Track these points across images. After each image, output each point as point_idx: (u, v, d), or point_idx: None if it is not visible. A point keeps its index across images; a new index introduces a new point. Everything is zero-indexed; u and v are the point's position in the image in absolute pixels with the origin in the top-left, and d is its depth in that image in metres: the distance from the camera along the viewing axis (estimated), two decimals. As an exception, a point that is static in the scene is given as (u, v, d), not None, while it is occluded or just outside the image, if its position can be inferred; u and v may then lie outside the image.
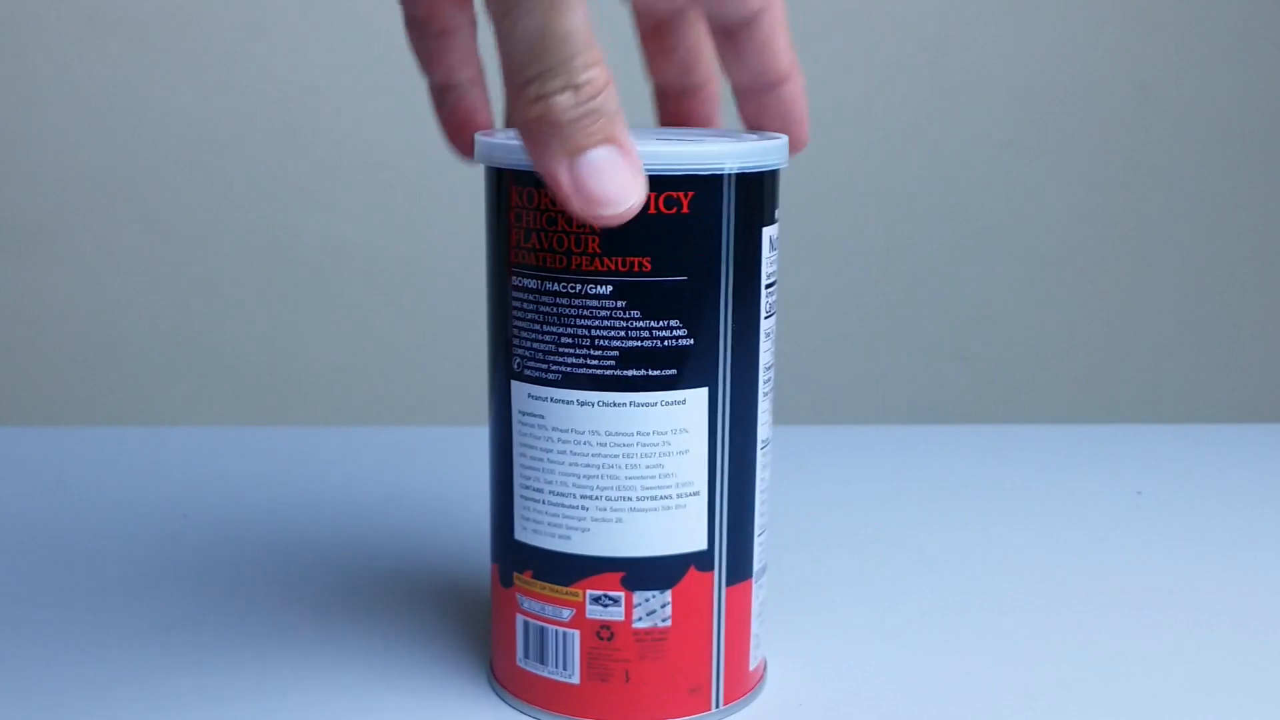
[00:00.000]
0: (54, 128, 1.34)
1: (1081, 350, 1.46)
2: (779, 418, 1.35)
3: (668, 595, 0.40)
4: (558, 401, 0.39)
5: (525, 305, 0.39)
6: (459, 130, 0.45)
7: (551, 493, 0.39)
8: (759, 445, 0.41)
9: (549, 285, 0.38)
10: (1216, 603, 0.52)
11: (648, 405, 0.38)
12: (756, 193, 0.39)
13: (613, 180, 0.35)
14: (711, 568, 0.40)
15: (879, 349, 1.43)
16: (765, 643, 0.48)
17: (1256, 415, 1.50)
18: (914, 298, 1.43)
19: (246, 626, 0.48)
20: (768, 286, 0.40)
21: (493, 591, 0.43)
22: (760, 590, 0.42)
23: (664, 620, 0.40)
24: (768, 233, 0.40)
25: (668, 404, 0.39)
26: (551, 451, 0.39)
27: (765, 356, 0.41)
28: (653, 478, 0.39)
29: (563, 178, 0.35)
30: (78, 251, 1.37)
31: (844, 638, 0.49)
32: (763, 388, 0.41)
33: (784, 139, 0.40)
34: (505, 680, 0.42)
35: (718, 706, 0.41)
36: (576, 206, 0.35)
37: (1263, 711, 0.43)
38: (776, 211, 0.41)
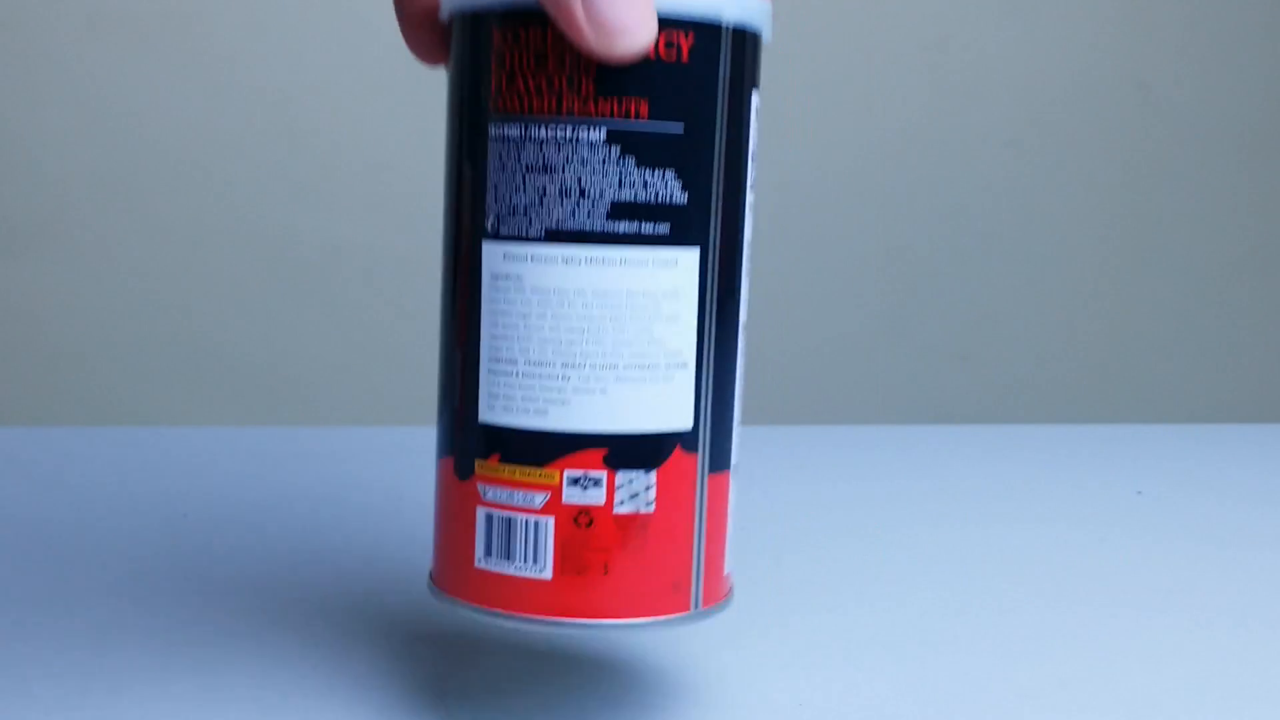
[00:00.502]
0: (54, 128, 1.33)
1: (1081, 350, 1.47)
2: (778, 418, 1.33)
3: (652, 477, 0.37)
4: (540, 260, 0.36)
5: (505, 156, 0.36)
6: (418, 22, 0.42)
7: (528, 363, 0.36)
8: (740, 323, 0.38)
9: (535, 132, 0.35)
10: (1216, 602, 0.52)
11: (638, 264, 0.36)
12: (750, 51, 0.37)
13: (628, 8, 0.33)
14: (696, 449, 0.37)
15: (879, 349, 1.43)
16: (762, 635, 0.45)
17: (1256, 415, 1.50)
18: (914, 298, 1.44)
19: (246, 626, 0.48)
20: (753, 156, 0.38)
21: (441, 492, 0.39)
22: (735, 485, 0.40)
23: (648, 505, 0.37)
24: (755, 98, 0.38)
25: (659, 263, 0.36)
26: (530, 316, 0.36)
27: (748, 229, 0.39)
28: (640, 344, 0.36)
29: (575, 7, 0.33)
30: (78, 251, 1.35)
31: (844, 637, 0.48)
32: (746, 262, 0.38)
33: (769, 5, 0.39)
34: (459, 587, 0.38)
35: (697, 607, 0.38)
36: (588, 37, 0.33)
37: (1263, 711, 0.42)
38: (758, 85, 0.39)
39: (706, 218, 0.36)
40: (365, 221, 1.41)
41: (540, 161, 0.35)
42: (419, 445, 0.72)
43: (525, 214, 0.36)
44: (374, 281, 1.42)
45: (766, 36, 0.39)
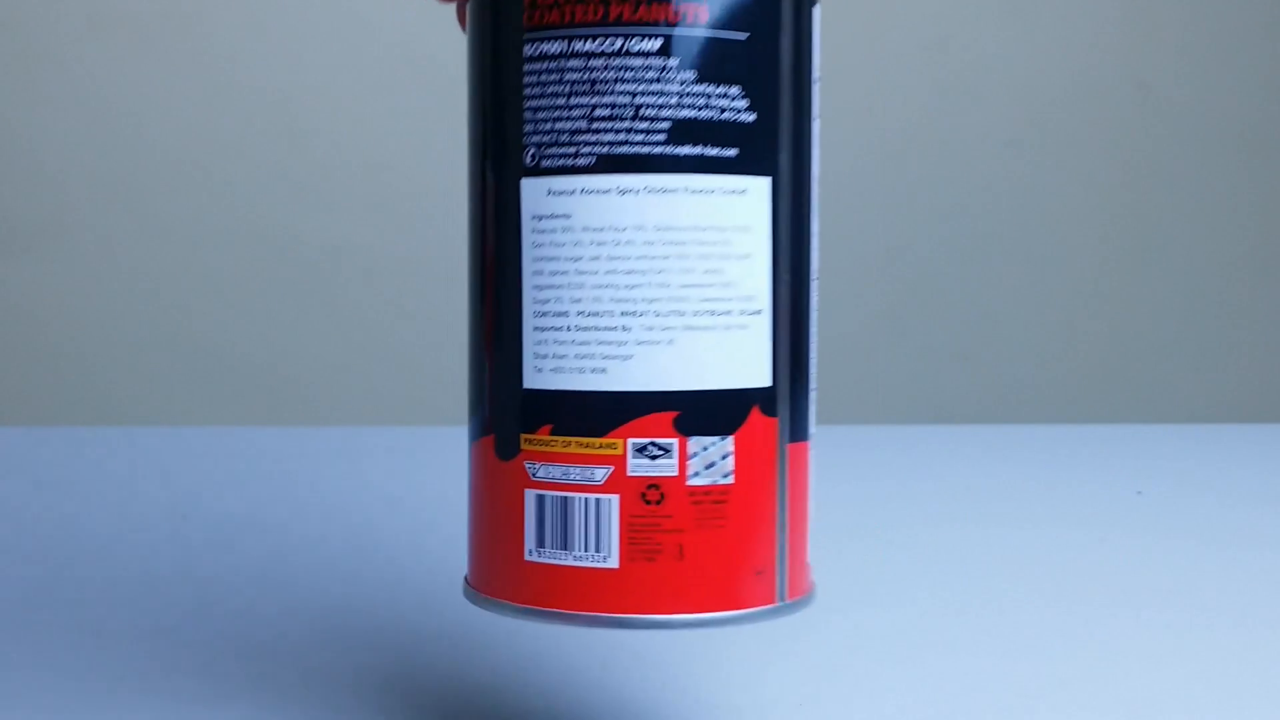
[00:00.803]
0: (54, 128, 1.32)
1: (1082, 350, 1.46)
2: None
3: (729, 442, 0.31)
4: (591, 193, 0.31)
5: (545, 77, 0.31)
6: None
7: (581, 314, 0.31)
8: (813, 269, 0.34)
9: (579, 45, 0.31)
10: (1217, 602, 0.50)
11: (705, 192, 0.31)
12: None
13: None
14: (775, 413, 0.32)
15: (879, 349, 1.42)
16: (761, 636, 0.40)
17: (1257, 415, 1.50)
18: (914, 298, 1.42)
19: (246, 626, 0.47)
20: (816, 79, 0.34)
21: (478, 479, 0.33)
22: (812, 460, 0.34)
23: (725, 475, 0.31)
24: (816, 13, 0.34)
25: (727, 192, 0.31)
26: (582, 259, 0.31)
27: (816, 164, 0.34)
28: (711, 286, 0.31)
29: None
30: (78, 251, 1.33)
31: (844, 637, 0.46)
32: (815, 201, 0.34)
33: None
34: (505, 586, 0.32)
35: (783, 599, 0.33)
36: None
37: (1263, 710, 0.41)
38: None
39: (775, 141, 0.32)
40: (366, 221, 1.40)
41: (587, 79, 0.31)
42: (419, 445, 0.72)
43: (571, 142, 0.31)
44: (374, 281, 1.40)
45: None
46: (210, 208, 1.36)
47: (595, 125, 0.31)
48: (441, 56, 1.41)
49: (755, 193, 0.31)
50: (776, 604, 0.32)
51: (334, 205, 1.38)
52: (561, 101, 0.31)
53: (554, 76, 0.31)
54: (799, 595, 0.33)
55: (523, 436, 0.32)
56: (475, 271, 0.33)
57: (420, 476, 0.65)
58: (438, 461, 0.69)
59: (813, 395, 0.34)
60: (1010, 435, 0.76)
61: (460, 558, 0.55)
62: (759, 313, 0.32)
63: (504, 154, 0.32)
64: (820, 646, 0.44)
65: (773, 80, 0.32)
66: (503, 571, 0.32)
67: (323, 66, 1.37)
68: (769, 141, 0.32)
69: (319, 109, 1.37)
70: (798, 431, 0.33)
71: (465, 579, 0.34)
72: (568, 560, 0.31)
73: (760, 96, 0.31)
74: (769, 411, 0.32)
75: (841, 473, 0.64)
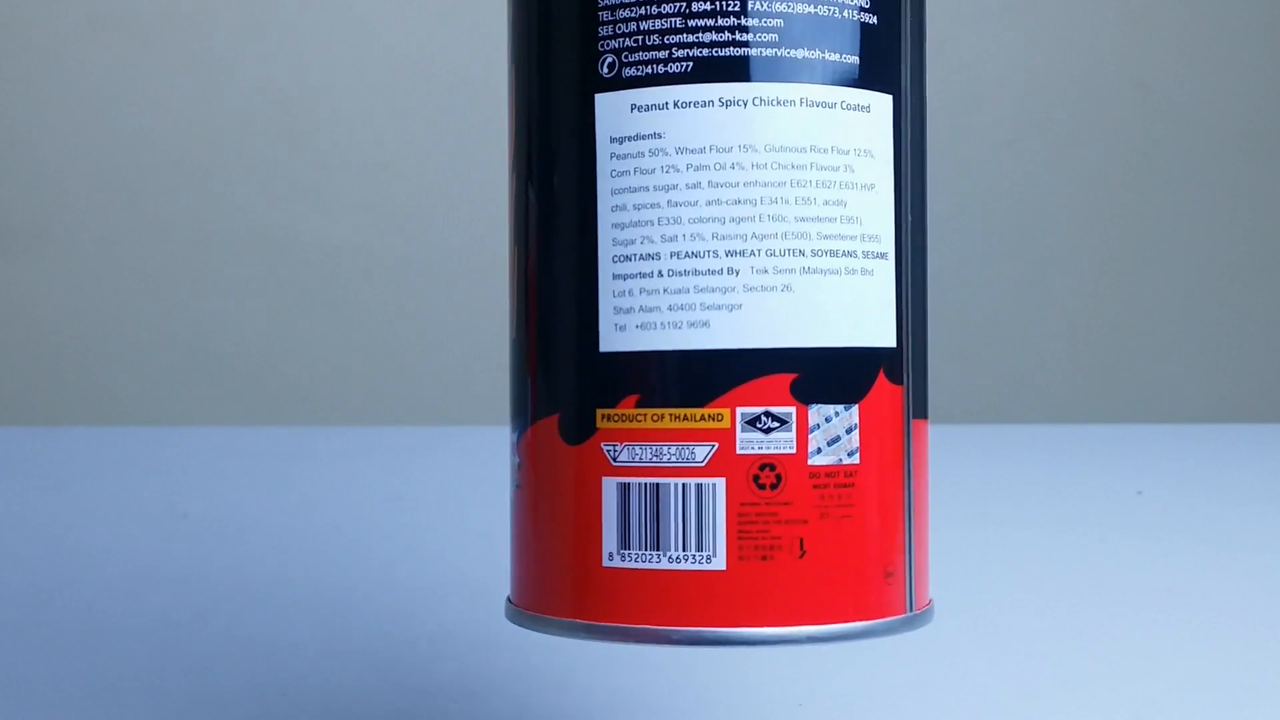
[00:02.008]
0: (54, 128, 1.32)
1: (1082, 350, 1.46)
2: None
3: (854, 413, 0.26)
4: (687, 106, 0.25)
5: None
6: None
7: (676, 255, 0.25)
8: (930, 211, 0.28)
9: None
10: (1217, 602, 0.50)
11: (825, 106, 0.25)
12: None
13: None
14: (901, 380, 0.27)
15: None
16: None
17: (1258, 415, 1.49)
18: None
19: (246, 626, 0.46)
20: None
21: (538, 469, 0.27)
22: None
23: (850, 453, 0.26)
24: None
25: (850, 108, 0.26)
26: (677, 187, 0.25)
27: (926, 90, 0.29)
28: (833, 221, 0.25)
29: None
30: (78, 251, 1.34)
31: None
32: (927, 140, 0.28)
33: None
34: (577, 602, 0.26)
35: (912, 607, 0.27)
36: None
37: (1264, 711, 0.40)
38: None
39: (899, 50, 0.26)
40: (366, 222, 1.40)
41: None
42: (419, 445, 0.71)
43: (663, 44, 0.25)
44: (374, 281, 1.40)
45: None
46: (210, 208, 1.36)
47: (692, 23, 0.25)
48: (443, 57, 1.38)
49: (879, 110, 0.26)
50: (907, 613, 0.26)
51: (334, 205, 1.39)
52: (647, -4, 0.25)
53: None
54: (924, 605, 0.27)
55: (600, 412, 0.26)
56: (527, 215, 0.27)
57: (420, 476, 0.65)
58: (439, 461, 0.67)
59: (930, 370, 0.28)
60: (1010, 435, 0.75)
61: (463, 555, 0.52)
62: (884, 256, 0.26)
63: (570, 64, 0.26)
64: (816, 646, 0.42)
65: (894, -21, 0.26)
66: (572, 584, 0.26)
67: (323, 67, 1.37)
68: (893, 50, 0.26)
69: (319, 109, 1.38)
70: (920, 405, 0.27)
71: (509, 599, 0.28)
72: (661, 563, 0.25)
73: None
74: (894, 378, 0.26)
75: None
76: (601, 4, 0.26)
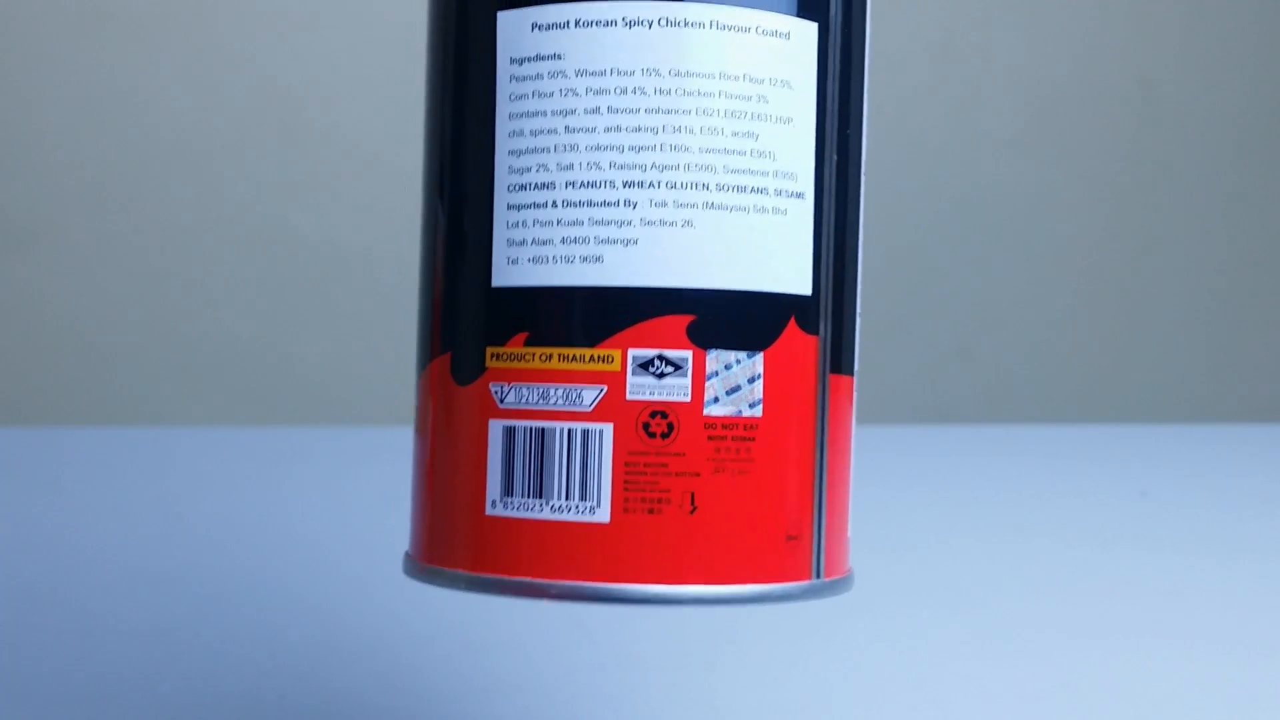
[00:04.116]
0: (54, 128, 1.31)
1: (1084, 349, 1.46)
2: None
3: (758, 361, 0.24)
4: (589, 25, 0.23)
5: None
6: None
7: (571, 185, 0.24)
8: (863, 153, 0.26)
9: None
10: (1220, 602, 0.49)
11: (738, 30, 0.24)
12: None
13: None
14: (816, 330, 0.25)
15: (879, 348, 1.40)
16: (757, 639, 0.34)
17: (1261, 415, 1.49)
18: (914, 297, 1.41)
19: (245, 626, 0.46)
20: None
21: (428, 411, 0.25)
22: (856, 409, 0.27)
23: (753, 405, 0.24)
24: None
25: (767, 33, 0.24)
26: (575, 112, 0.24)
27: (867, 19, 0.27)
28: (743, 155, 0.24)
29: None
30: (78, 251, 1.33)
31: (842, 639, 0.44)
32: (865, 66, 0.27)
33: None
34: (459, 551, 0.25)
35: (819, 575, 0.25)
36: None
37: (1266, 713, 0.39)
38: None
39: None
40: (366, 221, 1.39)
41: None
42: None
43: None
44: (374, 281, 1.40)
45: None
46: (211, 208, 1.36)
47: (598, -62, 0.23)
48: None
49: (801, 39, 0.24)
50: (812, 580, 0.25)
51: (335, 205, 1.38)
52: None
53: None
54: (837, 574, 0.25)
55: (489, 350, 0.24)
56: (431, 144, 0.25)
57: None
58: None
59: (858, 320, 0.27)
60: (1013, 435, 0.79)
61: None
62: (800, 196, 0.24)
63: None
64: (816, 648, 0.42)
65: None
66: (456, 532, 0.25)
67: (324, 66, 1.37)
68: None
69: (320, 109, 1.37)
70: (841, 360, 0.25)
71: (405, 553, 0.27)
72: (544, 512, 0.24)
73: (810, -83, 0.24)
74: (808, 327, 0.24)
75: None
76: (506, -84, 0.24)
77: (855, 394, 0.26)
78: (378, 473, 0.67)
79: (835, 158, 0.25)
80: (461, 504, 0.24)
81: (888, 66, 1.42)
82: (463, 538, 0.24)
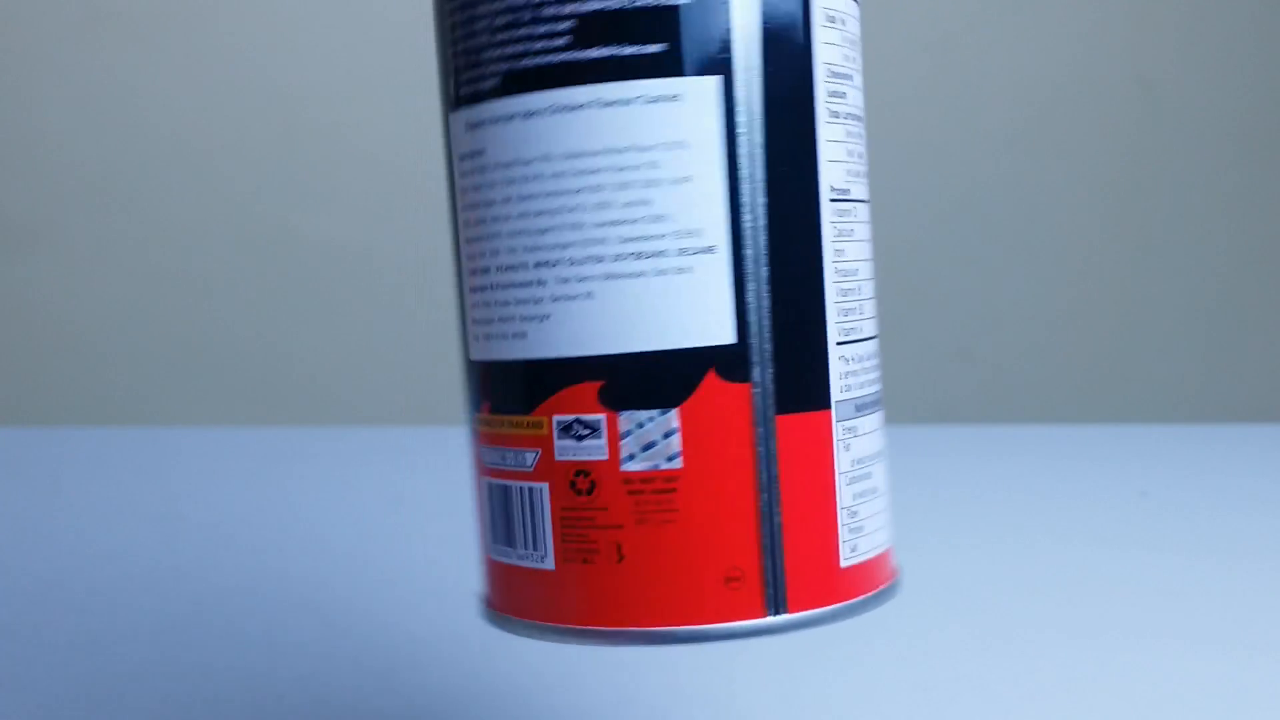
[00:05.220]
0: (54, 128, 1.33)
1: (1084, 349, 1.44)
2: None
3: (673, 417, 0.25)
4: (498, 121, 0.26)
5: None
6: None
7: (499, 269, 0.26)
8: (824, 189, 0.26)
9: None
10: (1220, 602, 0.49)
11: (620, 104, 0.25)
12: None
13: None
14: (747, 377, 0.25)
15: (881, 348, 1.39)
16: (752, 638, 0.33)
17: (1261, 415, 1.47)
18: (914, 297, 1.40)
19: (244, 627, 0.46)
20: None
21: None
22: (850, 438, 0.27)
23: (670, 459, 0.25)
24: None
25: (650, 102, 0.25)
26: (494, 202, 0.26)
27: (831, 49, 0.26)
28: (635, 222, 0.25)
29: None
30: (78, 251, 1.35)
31: (841, 640, 0.45)
32: (825, 99, 0.26)
33: None
34: (485, 584, 0.28)
35: (778, 610, 0.25)
36: None
37: (1266, 713, 0.39)
38: None
39: (724, 28, 0.25)
40: (366, 221, 1.39)
41: None
42: (419, 445, 0.69)
43: (480, 62, 0.26)
44: (374, 281, 1.39)
45: None
46: (211, 207, 1.34)
47: (498, 36, 0.26)
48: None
49: (695, 97, 0.25)
50: (766, 618, 0.25)
51: (335, 205, 1.35)
52: (472, 13, 0.26)
53: (461, -12, 0.26)
54: (816, 605, 0.26)
55: (474, 416, 0.27)
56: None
57: (420, 476, 0.63)
58: (439, 462, 0.66)
59: (842, 351, 0.26)
60: (1013, 435, 0.72)
61: (458, 560, 0.53)
62: (711, 250, 0.25)
63: (443, 89, 0.28)
64: (814, 649, 0.42)
65: (714, -51, 0.25)
66: (483, 570, 0.28)
67: (325, 65, 1.34)
68: (716, 29, 0.25)
69: (321, 108, 1.34)
70: (797, 399, 0.25)
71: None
72: (512, 559, 0.27)
73: (693, -27, 0.24)
74: (735, 376, 0.25)
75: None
76: (450, 22, 0.27)
77: (840, 429, 0.26)
78: (378, 473, 0.65)
79: (770, 199, 0.25)
80: (482, 547, 0.28)
81: (887, 66, 1.37)
82: (484, 576, 0.28)
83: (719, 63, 0.25)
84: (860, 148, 0.27)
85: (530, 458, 0.26)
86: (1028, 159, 1.43)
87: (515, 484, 0.26)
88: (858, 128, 0.27)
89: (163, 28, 1.32)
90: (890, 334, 1.43)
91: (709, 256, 0.25)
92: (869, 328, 0.27)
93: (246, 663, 0.43)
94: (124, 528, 0.57)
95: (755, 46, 0.25)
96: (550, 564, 0.26)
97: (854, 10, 0.27)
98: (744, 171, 0.25)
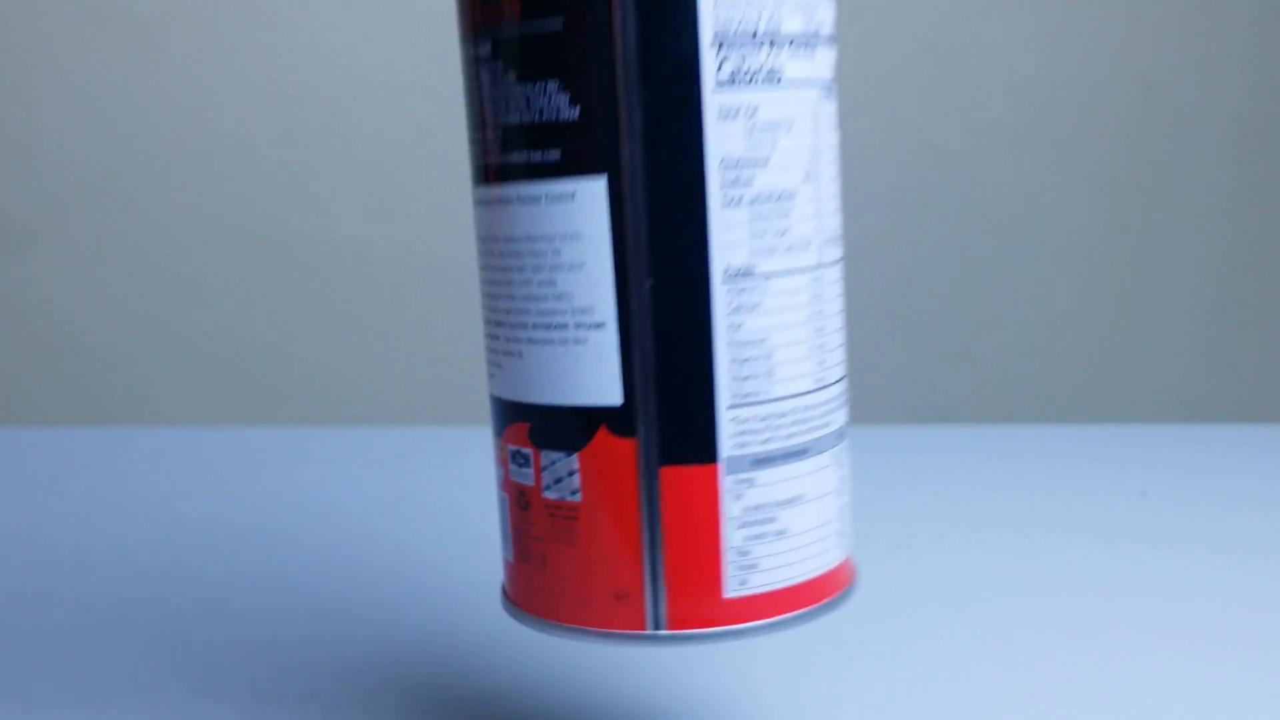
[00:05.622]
0: (54, 128, 1.34)
1: (1085, 349, 1.45)
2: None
3: (574, 460, 0.30)
4: (477, 202, 0.32)
5: (466, 85, 0.32)
6: None
7: (486, 321, 0.32)
8: (716, 269, 0.29)
9: (466, 52, 0.31)
10: (1220, 602, 0.49)
11: (531, 201, 0.30)
12: None
13: None
14: (632, 434, 0.29)
15: (879, 348, 1.42)
16: (750, 639, 0.35)
17: (1261, 415, 1.49)
18: (914, 296, 1.42)
19: (244, 628, 0.47)
20: (727, 39, 0.29)
21: None
22: (743, 487, 0.30)
23: (572, 493, 0.30)
24: None
25: (553, 198, 0.29)
26: (481, 269, 0.32)
27: (729, 142, 0.29)
28: (545, 299, 0.30)
29: None
30: (78, 251, 1.37)
31: (841, 641, 0.45)
32: (721, 188, 0.29)
33: None
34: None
35: (658, 626, 0.30)
36: None
37: (1266, 713, 0.39)
38: None
39: (611, 137, 0.29)
40: (367, 221, 1.36)
41: (472, 87, 0.31)
42: (419, 445, 0.68)
43: (471, 153, 0.32)
44: (374, 281, 1.37)
45: None
46: (211, 207, 1.33)
47: (474, 136, 0.31)
48: (444, 53, 1.30)
49: (585, 196, 0.29)
50: (645, 631, 0.30)
51: (335, 204, 1.33)
52: (471, 112, 0.32)
53: (468, 88, 0.32)
54: (696, 626, 0.30)
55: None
56: None
57: (421, 476, 0.63)
58: (439, 461, 0.65)
59: (733, 414, 0.29)
60: (1013, 436, 0.71)
61: (458, 561, 0.52)
62: (601, 326, 0.29)
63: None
64: (816, 648, 0.43)
65: (602, 69, 0.28)
66: None
67: (325, 65, 1.31)
68: (604, 140, 0.29)
69: (321, 108, 1.32)
70: (681, 453, 0.29)
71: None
72: (509, 555, 0.33)
73: (582, 89, 0.29)
74: (622, 432, 0.29)
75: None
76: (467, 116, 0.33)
77: (728, 483, 0.30)
78: (377, 473, 0.62)
79: (650, 283, 0.29)
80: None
81: (887, 66, 1.38)
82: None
83: (606, 166, 0.29)
84: (787, 223, 0.30)
85: (500, 475, 0.32)
86: (1028, 159, 1.40)
87: (500, 494, 0.33)
88: (776, 206, 0.29)
89: (163, 28, 1.31)
90: (890, 334, 1.42)
91: (600, 331, 0.29)
92: (788, 387, 0.30)
93: (246, 662, 0.44)
94: (124, 528, 0.57)
95: (639, 150, 0.28)
96: (511, 559, 0.32)
97: (779, 95, 0.29)
98: (631, 258, 0.29)
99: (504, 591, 0.33)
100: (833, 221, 0.31)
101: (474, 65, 0.31)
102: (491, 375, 0.32)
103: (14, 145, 1.33)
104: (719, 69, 0.28)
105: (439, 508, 0.60)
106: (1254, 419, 1.52)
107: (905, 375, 1.46)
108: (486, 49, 0.30)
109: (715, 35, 0.28)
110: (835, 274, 0.31)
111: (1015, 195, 1.44)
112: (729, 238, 0.29)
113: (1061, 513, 0.59)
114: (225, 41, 1.31)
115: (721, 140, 0.29)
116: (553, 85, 0.29)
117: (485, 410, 1.39)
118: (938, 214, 1.44)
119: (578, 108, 0.29)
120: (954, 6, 1.43)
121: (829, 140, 0.31)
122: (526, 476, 0.31)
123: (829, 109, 0.31)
